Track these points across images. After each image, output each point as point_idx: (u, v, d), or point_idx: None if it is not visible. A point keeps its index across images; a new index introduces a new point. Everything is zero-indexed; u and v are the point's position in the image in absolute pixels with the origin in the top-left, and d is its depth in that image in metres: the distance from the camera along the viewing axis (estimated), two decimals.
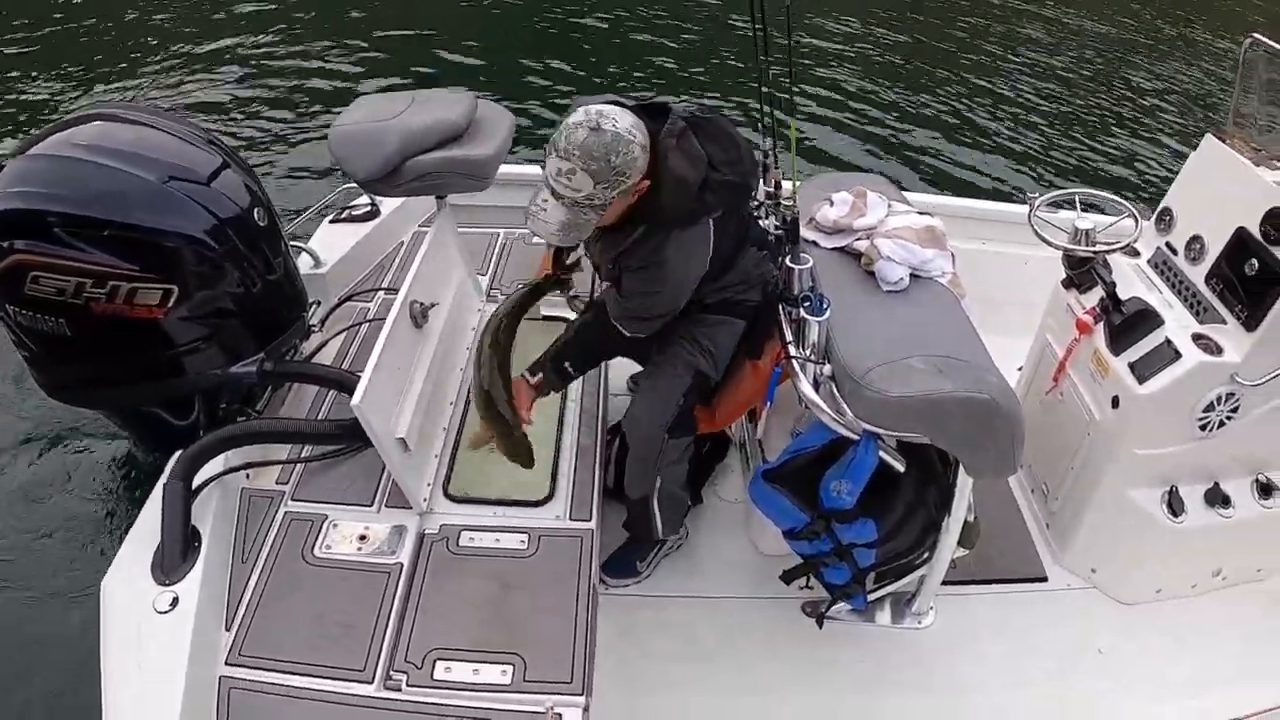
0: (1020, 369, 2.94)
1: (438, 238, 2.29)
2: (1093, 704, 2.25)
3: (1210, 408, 2.29)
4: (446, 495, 2.12)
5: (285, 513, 2.03)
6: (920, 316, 2.03)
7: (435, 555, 1.96)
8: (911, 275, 2.08)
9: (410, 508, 2.04)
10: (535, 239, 2.94)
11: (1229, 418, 2.33)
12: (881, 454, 1.94)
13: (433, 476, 2.14)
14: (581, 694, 1.70)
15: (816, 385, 1.92)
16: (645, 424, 2.12)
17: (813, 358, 1.91)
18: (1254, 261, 2.26)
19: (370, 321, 2.51)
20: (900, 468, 1.98)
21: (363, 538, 1.97)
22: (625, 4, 8.92)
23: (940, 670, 2.26)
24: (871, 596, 2.17)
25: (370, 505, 2.06)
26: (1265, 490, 2.50)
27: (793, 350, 1.92)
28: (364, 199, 2.82)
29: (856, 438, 1.90)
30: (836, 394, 1.90)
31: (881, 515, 2.00)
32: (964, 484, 2.02)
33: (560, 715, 1.65)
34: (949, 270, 2.13)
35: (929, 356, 1.85)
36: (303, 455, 2.17)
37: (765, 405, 2.23)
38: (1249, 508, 2.47)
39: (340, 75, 6.77)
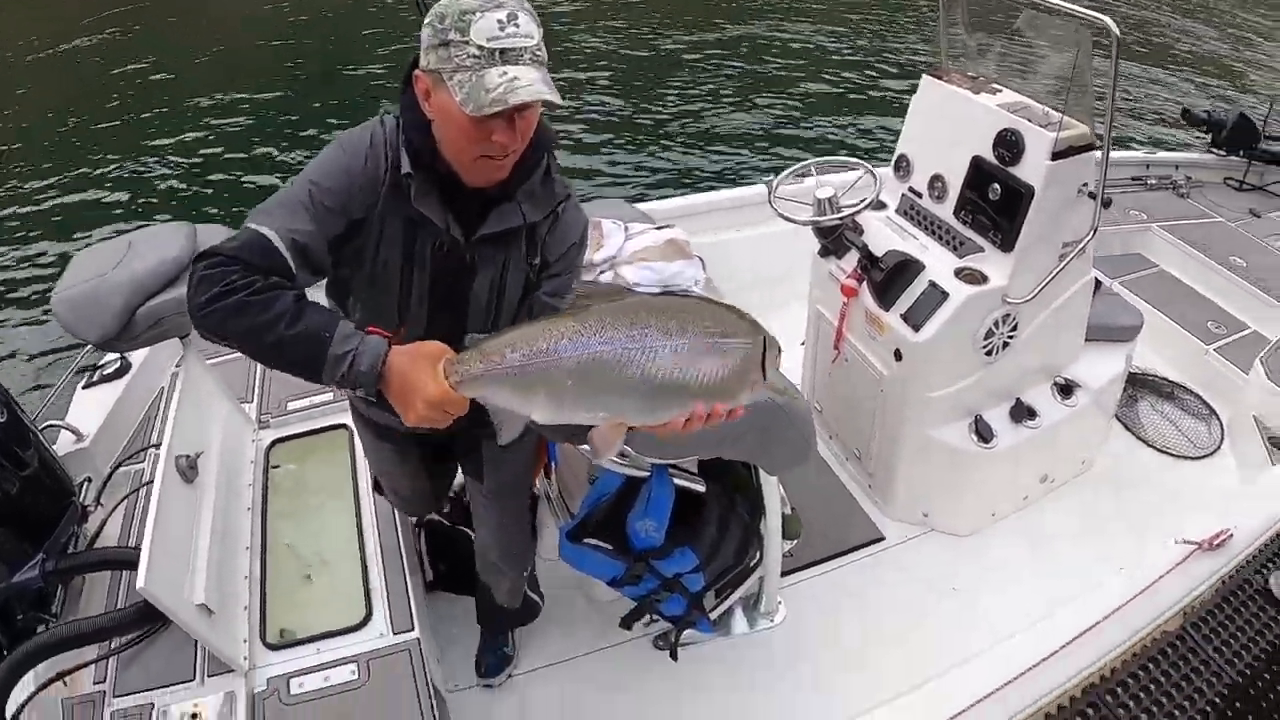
0: (803, 343, 2.98)
1: (189, 381, 2.17)
2: (964, 640, 2.24)
3: (990, 334, 2.37)
4: (265, 644, 2.02)
5: (112, 713, 1.91)
6: None
7: (271, 714, 1.87)
8: (664, 293, 2.07)
9: (233, 670, 1.94)
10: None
11: (1011, 337, 2.42)
12: (677, 482, 1.94)
13: (247, 631, 2.04)
14: None
15: None
16: (514, 508, 1.99)
17: None
18: (995, 185, 2.33)
19: (146, 485, 2.37)
20: (701, 489, 1.98)
21: (194, 716, 1.87)
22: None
23: (803, 659, 2.28)
24: (715, 614, 2.17)
25: (194, 679, 1.96)
26: (1065, 390, 2.61)
27: None
28: (112, 355, 2.66)
29: (647, 474, 1.89)
30: None
31: (696, 540, 2.00)
32: (770, 483, 2.03)
33: None
34: (700, 277, 2.13)
35: None
36: (113, 647, 2.05)
37: (553, 462, 2.19)
38: (1055, 411, 2.58)
39: (60, 218, 6.07)
